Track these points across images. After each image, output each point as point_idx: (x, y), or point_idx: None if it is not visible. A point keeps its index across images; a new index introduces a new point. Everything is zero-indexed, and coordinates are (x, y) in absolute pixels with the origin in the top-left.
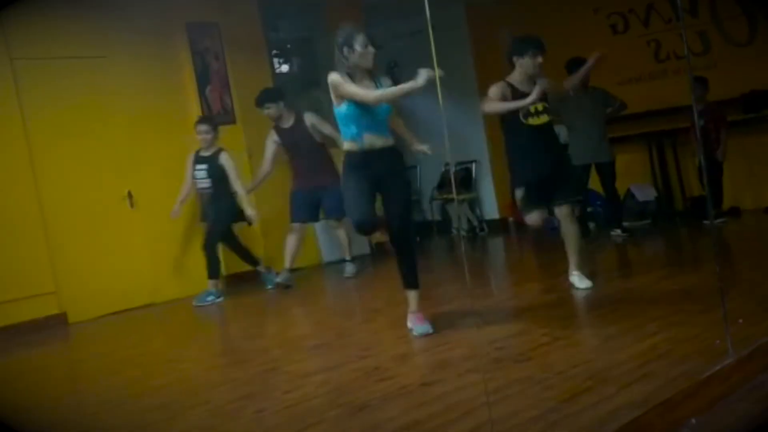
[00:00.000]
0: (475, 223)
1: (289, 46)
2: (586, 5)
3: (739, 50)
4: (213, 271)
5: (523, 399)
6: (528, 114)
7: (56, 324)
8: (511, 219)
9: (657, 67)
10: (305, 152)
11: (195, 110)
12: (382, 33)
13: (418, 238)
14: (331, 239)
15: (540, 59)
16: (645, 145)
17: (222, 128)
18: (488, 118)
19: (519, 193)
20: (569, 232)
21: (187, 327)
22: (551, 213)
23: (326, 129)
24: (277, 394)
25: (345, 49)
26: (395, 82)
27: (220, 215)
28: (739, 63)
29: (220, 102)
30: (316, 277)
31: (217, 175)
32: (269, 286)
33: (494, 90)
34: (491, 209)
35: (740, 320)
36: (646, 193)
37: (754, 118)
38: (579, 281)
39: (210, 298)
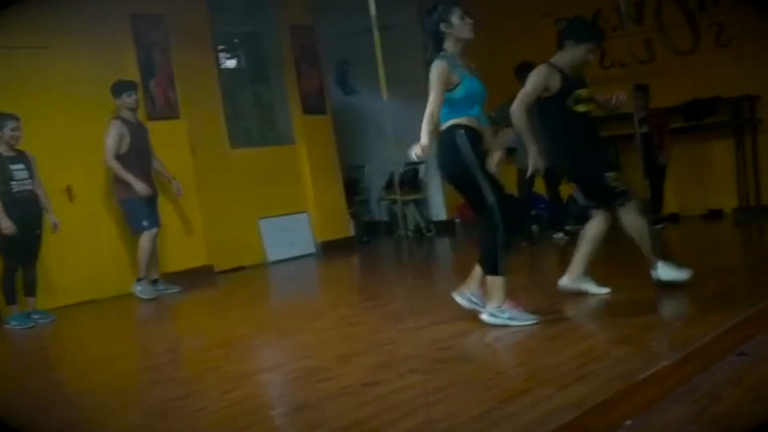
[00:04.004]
0: (422, 223)
1: (236, 41)
2: (535, 10)
3: (683, 59)
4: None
5: (464, 399)
6: (578, 99)
7: None
8: (458, 220)
9: (602, 73)
10: (146, 154)
11: (138, 104)
12: (331, 30)
13: (365, 239)
14: (276, 237)
15: (593, 56)
16: None
17: (165, 123)
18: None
19: (612, 175)
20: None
21: (126, 324)
22: None
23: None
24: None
25: (443, 25)
26: (345, 80)
27: None
28: (682, 71)
29: (164, 96)
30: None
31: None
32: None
33: (538, 77)
34: (438, 210)
35: (677, 323)
36: None
37: (695, 126)
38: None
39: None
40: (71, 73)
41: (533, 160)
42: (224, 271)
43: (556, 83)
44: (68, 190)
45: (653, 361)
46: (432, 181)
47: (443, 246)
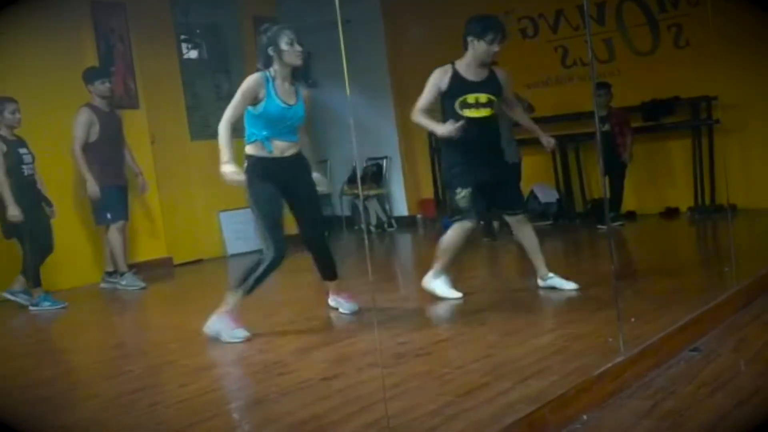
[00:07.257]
0: (384, 219)
1: (198, 31)
2: (497, 7)
3: (642, 59)
4: None
5: (422, 393)
6: (465, 105)
7: None
8: (419, 216)
9: (563, 72)
10: (118, 143)
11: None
12: (294, 22)
13: (326, 233)
14: (236, 231)
15: (497, 48)
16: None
17: (124, 112)
18: (403, 112)
19: (461, 192)
20: (529, 236)
21: (80, 316)
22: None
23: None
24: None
25: (270, 49)
26: (307, 73)
27: None
28: (641, 72)
29: (123, 86)
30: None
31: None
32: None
33: (435, 76)
34: (400, 205)
35: (632, 319)
36: (548, 194)
37: (653, 125)
38: (560, 282)
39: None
40: (27, 61)
41: None
42: (183, 264)
43: (446, 86)
44: None
45: (609, 357)
46: (395, 176)
47: (404, 241)
